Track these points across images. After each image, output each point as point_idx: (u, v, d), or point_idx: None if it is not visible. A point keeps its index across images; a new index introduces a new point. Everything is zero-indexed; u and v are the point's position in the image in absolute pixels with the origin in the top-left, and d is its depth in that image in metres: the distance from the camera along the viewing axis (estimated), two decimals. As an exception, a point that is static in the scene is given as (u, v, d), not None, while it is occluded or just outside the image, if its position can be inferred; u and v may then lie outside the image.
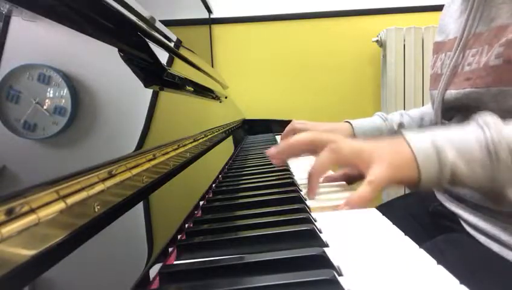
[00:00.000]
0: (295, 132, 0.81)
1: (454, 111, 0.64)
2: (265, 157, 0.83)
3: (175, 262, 0.31)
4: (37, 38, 0.25)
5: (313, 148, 0.51)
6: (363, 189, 0.43)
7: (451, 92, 0.63)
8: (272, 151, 0.54)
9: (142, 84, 0.40)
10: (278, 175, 0.59)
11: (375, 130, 0.84)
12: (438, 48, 0.73)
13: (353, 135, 0.83)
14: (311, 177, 0.48)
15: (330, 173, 0.60)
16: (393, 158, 0.44)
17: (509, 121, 0.45)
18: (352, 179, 0.58)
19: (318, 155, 0.48)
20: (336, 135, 0.51)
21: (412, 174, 0.44)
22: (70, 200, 0.22)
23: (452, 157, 0.43)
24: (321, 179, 0.52)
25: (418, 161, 0.43)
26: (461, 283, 0.23)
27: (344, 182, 0.56)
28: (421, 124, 0.85)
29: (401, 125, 0.85)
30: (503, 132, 0.42)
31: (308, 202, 0.46)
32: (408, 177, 0.44)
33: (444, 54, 0.69)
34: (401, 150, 0.45)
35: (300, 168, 0.67)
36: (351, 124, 0.85)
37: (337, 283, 0.24)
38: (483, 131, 0.44)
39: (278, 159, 0.56)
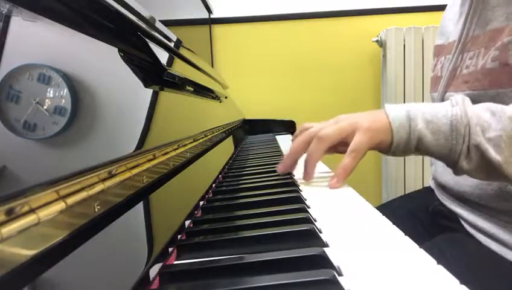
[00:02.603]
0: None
1: None
2: (265, 157, 0.83)
3: (175, 262, 0.31)
4: (37, 38, 0.25)
5: (308, 146, 0.55)
6: (345, 160, 0.51)
7: (451, 95, 0.63)
8: (279, 167, 0.59)
9: (142, 84, 0.40)
10: (278, 175, 0.59)
11: None
12: (439, 50, 0.73)
13: None
14: (306, 164, 0.55)
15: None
16: (370, 125, 0.52)
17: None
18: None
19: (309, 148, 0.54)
20: (321, 123, 0.57)
21: (386, 139, 0.52)
22: (70, 200, 0.22)
23: (421, 127, 0.50)
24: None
25: (393, 126, 0.51)
26: (461, 282, 0.23)
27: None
28: None
29: None
30: (467, 110, 0.48)
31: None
32: (383, 141, 0.52)
33: (444, 57, 0.69)
34: (378, 118, 0.53)
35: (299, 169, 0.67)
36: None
37: (337, 283, 0.24)
38: (452, 107, 0.50)
39: (288, 169, 0.60)
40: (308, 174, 0.55)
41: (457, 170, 0.50)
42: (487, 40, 0.57)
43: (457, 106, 0.49)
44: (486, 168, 0.47)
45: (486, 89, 0.55)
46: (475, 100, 0.57)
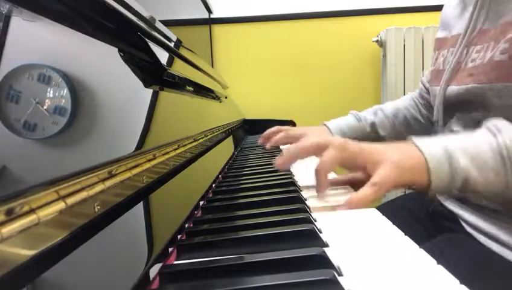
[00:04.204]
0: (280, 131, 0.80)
1: (456, 107, 0.64)
2: (265, 157, 0.83)
3: (175, 262, 0.31)
4: (37, 38, 0.25)
5: (318, 152, 0.49)
6: (365, 190, 0.42)
7: (453, 88, 0.62)
8: (279, 162, 0.52)
9: (142, 84, 0.40)
10: (278, 175, 0.59)
11: (349, 129, 0.86)
12: (440, 44, 0.72)
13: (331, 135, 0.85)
14: (318, 174, 0.47)
15: (335, 176, 0.58)
16: (403, 161, 0.44)
17: None
18: (360, 183, 0.50)
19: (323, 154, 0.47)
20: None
21: (422, 179, 0.44)
22: (70, 200, 0.22)
23: (464, 164, 0.42)
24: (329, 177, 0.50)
25: (430, 166, 0.43)
26: (461, 283, 0.23)
27: (349, 186, 0.54)
28: (394, 121, 0.86)
29: (373, 126, 0.86)
30: None
31: (309, 202, 0.45)
32: (417, 182, 0.44)
33: (446, 50, 0.68)
34: (412, 155, 0.44)
35: (298, 168, 0.67)
36: (328, 127, 0.86)
37: (337, 283, 0.24)
38: (495, 137, 0.43)
39: (286, 166, 0.53)
40: (321, 186, 0.47)
41: None
42: (498, 34, 0.55)
43: (498, 132, 0.43)
44: None
45: (492, 82, 0.53)
46: (480, 93, 0.55)
